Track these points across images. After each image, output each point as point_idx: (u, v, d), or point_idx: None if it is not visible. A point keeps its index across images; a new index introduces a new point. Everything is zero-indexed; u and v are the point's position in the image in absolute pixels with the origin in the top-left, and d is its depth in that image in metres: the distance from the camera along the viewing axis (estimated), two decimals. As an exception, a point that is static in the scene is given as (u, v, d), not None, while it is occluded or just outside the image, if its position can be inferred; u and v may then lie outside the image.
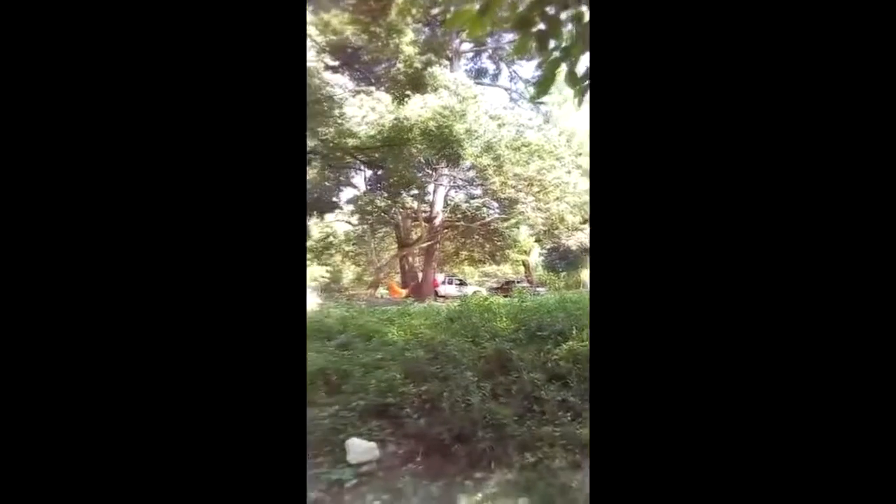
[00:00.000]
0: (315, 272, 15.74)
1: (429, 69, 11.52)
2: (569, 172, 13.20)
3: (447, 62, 13.44)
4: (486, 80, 17.36)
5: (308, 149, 9.13)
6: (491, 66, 17.67)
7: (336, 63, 12.01)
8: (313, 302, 11.53)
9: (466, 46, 15.36)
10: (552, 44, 1.56)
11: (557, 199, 13.50)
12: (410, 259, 16.76)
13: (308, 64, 8.84)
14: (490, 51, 16.54)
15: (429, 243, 15.34)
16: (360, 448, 2.75)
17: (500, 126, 12.22)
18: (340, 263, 18.78)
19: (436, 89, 11.05)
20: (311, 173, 13.48)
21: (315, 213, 14.96)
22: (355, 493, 2.43)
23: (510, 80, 17.96)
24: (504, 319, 5.48)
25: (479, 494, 2.38)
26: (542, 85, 1.70)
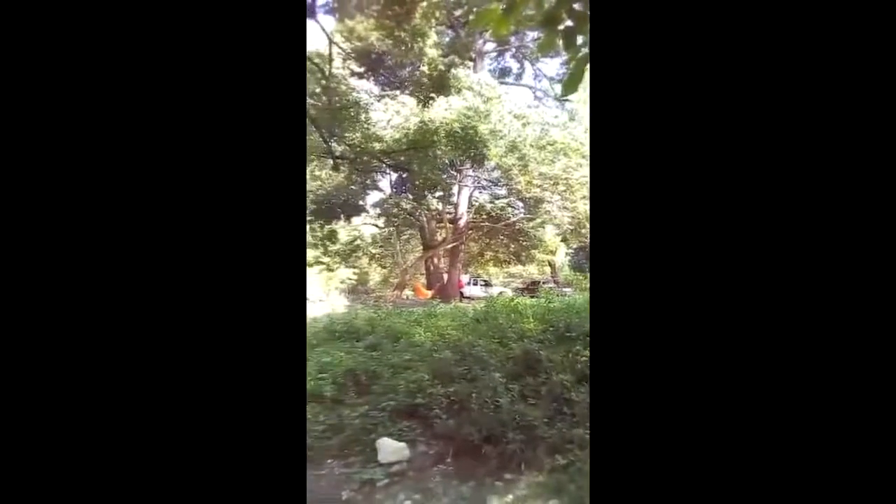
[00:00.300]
0: (342, 274, 16.05)
1: (452, 71, 11.56)
2: (596, 170, 12.90)
3: (470, 63, 13.44)
4: (510, 80, 17.24)
5: (336, 154, 9.30)
6: (515, 65, 17.55)
7: (361, 69, 12.23)
8: (341, 303, 11.75)
9: (490, 46, 15.31)
10: (580, 40, 1.54)
11: (584, 197, 13.24)
12: (435, 260, 16.83)
13: (335, 71, 9.02)
14: (513, 50, 16.43)
15: (453, 244, 15.37)
16: (390, 448, 2.78)
17: (524, 125, 12.11)
18: (367, 266, 19.04)
19: (459, 91, 11.07)
20: (339, 178, 13.76)
21: (342, 216, 15.25)
22: (387, 492, 2.46)
23: (534, 79, 17.78)
24: (531, 320, 5.43)
25: (510, 496, 2.37)
26: (570, 82, 1.68)
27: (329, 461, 2.79)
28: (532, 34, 13.63)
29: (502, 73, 17.02)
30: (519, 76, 17.71)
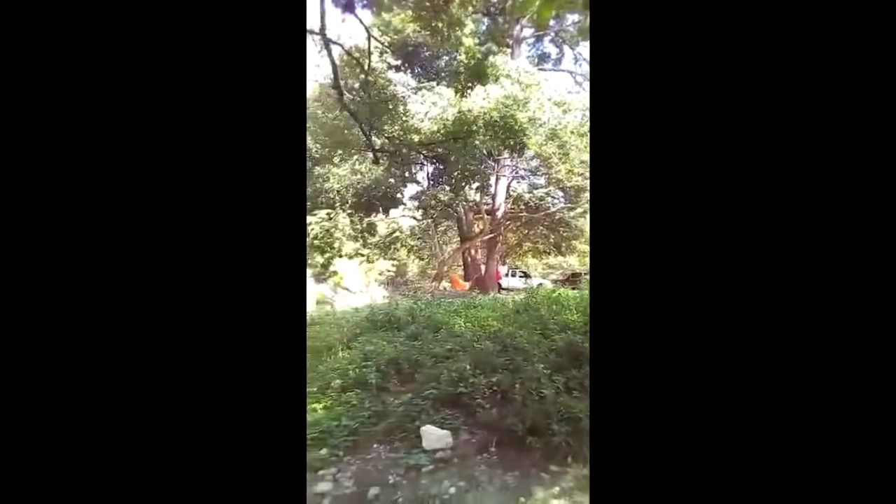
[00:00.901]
0: (381, 266, 16.40)
1: (490, 59, 11.39)
2: (641, 157, 12.36)
3: (508, 50, 13.18)
4: (549, 66, 16.77)
5: (376, 147, 9.45)
6: (553, 51, 17.04)
7: (398, 62, 12.29)
8: (380, 294, 12.02)
9: (527, 32, 14.94)
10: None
11: (628, 185, 12.73)
12: (473, 252, 16.80)
13: (372, 65, 9.13)
14: (552, 34, 15.94)
15: (491, 236, 15.27)
16: (434, 435, 2.82)
17: (564, 112, 11.78)
18: (405, 257, 19.32)
19: (497, 79, 10.90)
20: (378, 171, 13.99)
21: (381, 209, 15.52)
22: (432, 478, 2.50)
23: (574, 63, 17.25)
24: (574, 312, 5.32)
25: (556, 488, 2.35)
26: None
27: (375, 446, 2.88)
28: (571, 17, 13.17)
29: (541, 59, 16.58)
30: (558, 61, 17.20)
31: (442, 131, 10.72)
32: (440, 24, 9.22)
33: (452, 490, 2.36)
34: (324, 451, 2.76)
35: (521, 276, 16.79)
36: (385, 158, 11.33)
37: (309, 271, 13.04)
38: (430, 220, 16.91)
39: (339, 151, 13.32)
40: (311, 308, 8.76)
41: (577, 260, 20.21)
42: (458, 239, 17.43)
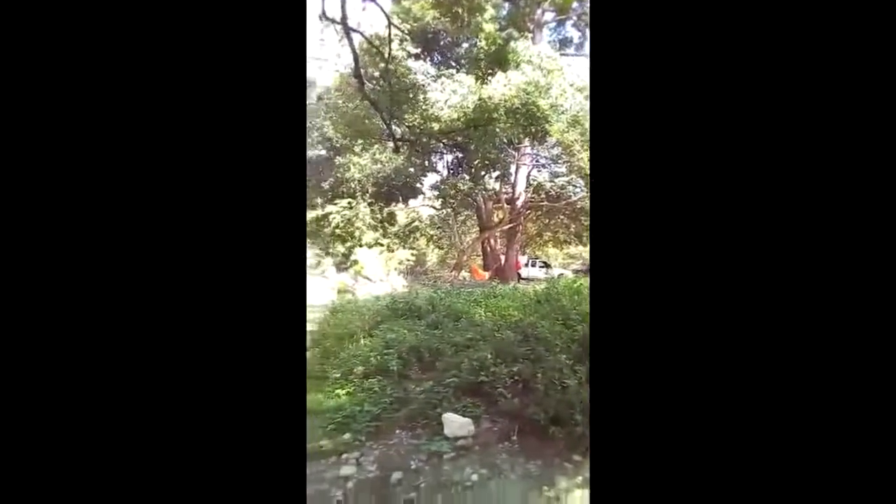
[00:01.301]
0: (401, 255, 16.50)
1: (511, 45, 11.16)
2: (667, 143, 11.97)
3: (529, 35, 12.87)
4: (571, 51, 16.30)
5: (396, 136, 9.44)
6: (576, 35, 16.53)
7: (418, 50, 12.17)
8: (400, 284, 12.11)
9: (549, 16, 14.55)
10: None
11: (653, 173, 12.38)
12: (492, 241, 16.71)
13: (392, 53, 9.07)
14: (574, 18, 15.47)
15: (510, 225, 15.14)
16: (456, 423, 2.84)
17: (587, 98, 11.46)
18: (425, 247, 19.35)
19: (518, 65, 10.68)
20: (398, 161, 13.99)
21: (400, 198, 15.55)
22: (454, 465, 2.52)
23: (598, 48, 16.67)
24: (596, 302, 5.23)
25: (580, 477, 2.33)
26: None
27: (397, 431, 2.92)
28: (596, -1, 12.74)
29: (563, 44, 16.13)
30: (580, 46, 16.67)
31: (462, 119, 10.60)
32: (460, 10, 9.06)
33: (475, 477, 2.38)
34: (347, 436, 2.82)
35: (541, 266, 16.62)
36: (405, 147, 11.30)
37: (330, 260, 13.22)
38: (449, 210, 16.86)
39: (360, 141, 13.35)
40: (333, 297, 8.90)
41: (599, 250, 19.83)
42: (478, 228, 17.34)
